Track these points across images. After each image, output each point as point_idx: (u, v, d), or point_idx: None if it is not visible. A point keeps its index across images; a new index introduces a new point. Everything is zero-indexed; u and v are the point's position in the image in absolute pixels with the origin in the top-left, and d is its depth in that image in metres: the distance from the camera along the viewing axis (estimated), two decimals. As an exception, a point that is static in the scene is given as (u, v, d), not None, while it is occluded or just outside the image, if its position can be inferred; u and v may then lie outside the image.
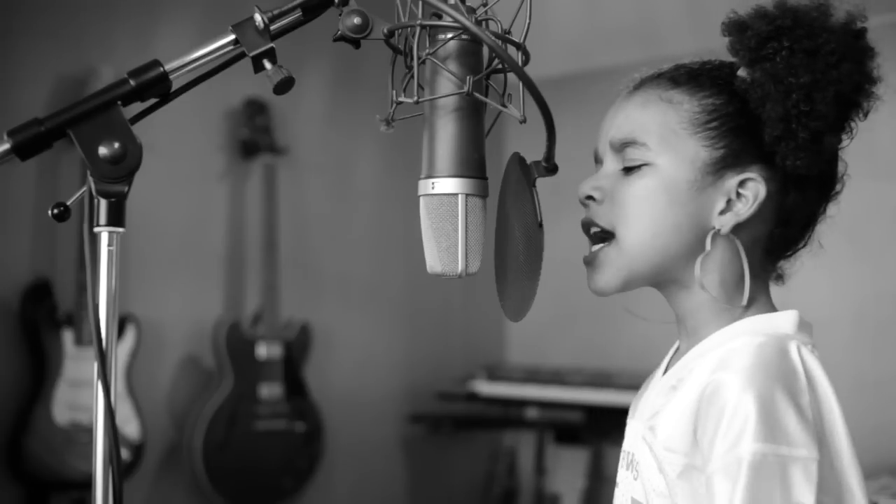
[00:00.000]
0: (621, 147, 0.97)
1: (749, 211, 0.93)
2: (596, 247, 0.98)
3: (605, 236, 0.97)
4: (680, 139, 0.94)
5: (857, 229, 3.01)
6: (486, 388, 3.45)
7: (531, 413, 3.37)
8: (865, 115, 0.94)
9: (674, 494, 0.88)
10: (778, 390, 0.83)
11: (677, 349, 1.04)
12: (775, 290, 1.03)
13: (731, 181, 0.94)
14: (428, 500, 3.60)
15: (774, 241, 0.98)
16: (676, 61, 1.00)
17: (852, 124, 0.94)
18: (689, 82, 0.96)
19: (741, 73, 0.94)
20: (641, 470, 0.95)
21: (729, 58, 0.97)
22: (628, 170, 0.96)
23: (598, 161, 1.02)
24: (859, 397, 2.90)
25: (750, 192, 0.93)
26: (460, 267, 0.87)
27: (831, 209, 1.00)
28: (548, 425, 3.36)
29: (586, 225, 0.99)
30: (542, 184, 0.92)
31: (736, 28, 0.94)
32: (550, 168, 0.92)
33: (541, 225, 0.92)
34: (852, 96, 0.91)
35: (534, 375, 3.44)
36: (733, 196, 0.94)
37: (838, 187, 0.99)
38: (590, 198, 0.98)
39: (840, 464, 0.84)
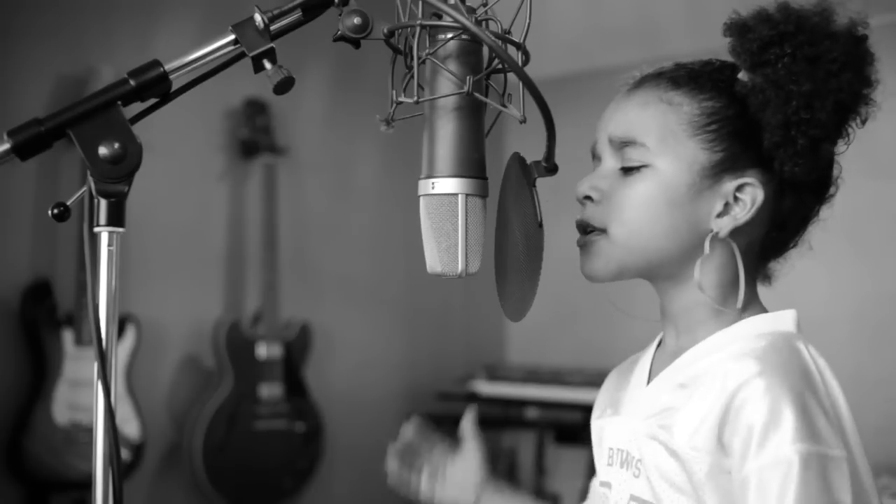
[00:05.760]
0: (620, 146, 0.96)
1: (747, 216, 0.93)
2: (590, 235, 0.97)
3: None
4: (679, 141, 0.94)
5: (856, 229, 3.01)
6: (486, 388, 3.45)
7: (531, 413, 3.37)
8: (863, 122, 0.94)
9: (701, 492, 0.88)
10: (806, 391, 0.84)
11: (660, 344, 1.04)
12: (776, 289, 1.04)
13: (729, 185, 0.94)
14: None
15: (769, 244, 0.98)
16: (676, 61, 1.00)
17: (850, 131, 0.94)
18: (690, 83, 0.96)
19: (742, 76, 0.93)
20: (647, 467, 0.94)
21: (728, 58, 0.96)
22: (627, 170, 0.96)
23: (595, 157, 1.01)
24: (858, 397, 2.89)
25: (748, 196, 0.93)
26: (460, 267, 0.87)
27: (825, 211, 0.99)
28: (548, 425, 3.35)
29: (582, 225, 0.99)
30: (542, 184, 0.92)
31: (738, 30, 0.93)
32: (550, 168, 0.92)
33: (541, 225, 0.92)
34: (851, 105, 0.92)
35: (534, 375, 3.44)
36: (730, 200, 0.94)
37: (832, 190, 0.99)
38: (587, 198, 0.98)
39: (855, 462, 0.84)
